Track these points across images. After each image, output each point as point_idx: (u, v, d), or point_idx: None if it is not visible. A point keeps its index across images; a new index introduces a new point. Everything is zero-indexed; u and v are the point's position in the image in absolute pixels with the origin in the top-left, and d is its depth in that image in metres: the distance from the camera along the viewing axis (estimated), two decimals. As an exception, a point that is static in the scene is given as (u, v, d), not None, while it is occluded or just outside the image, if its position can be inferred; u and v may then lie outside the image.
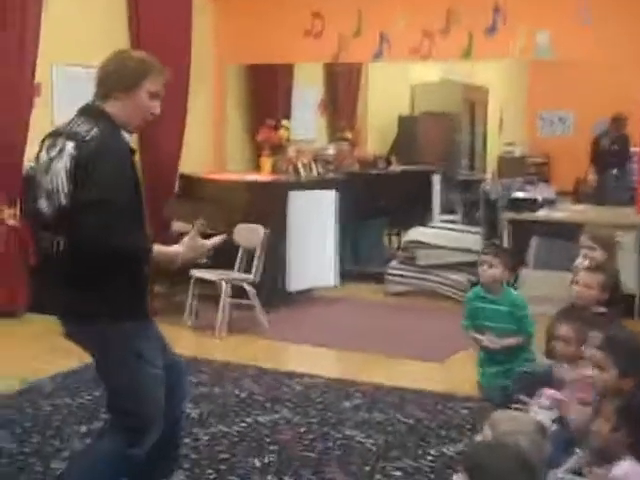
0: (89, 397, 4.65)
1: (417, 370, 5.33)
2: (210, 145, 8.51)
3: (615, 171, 9.98)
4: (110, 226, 2.68)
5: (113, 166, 2.75)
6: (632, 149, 9.86)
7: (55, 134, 2.89)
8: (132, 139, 3.09)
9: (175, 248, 2.94)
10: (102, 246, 2.69)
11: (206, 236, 3.02)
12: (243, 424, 4.28)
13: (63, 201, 2.76)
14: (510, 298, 4.41)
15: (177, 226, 7.53)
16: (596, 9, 6.77)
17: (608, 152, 9.99)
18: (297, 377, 5.09)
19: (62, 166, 2.77)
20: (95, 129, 2.79)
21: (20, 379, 4.89)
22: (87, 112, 2.90)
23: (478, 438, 2.85)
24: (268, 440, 4.07)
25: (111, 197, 2.69)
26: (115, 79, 2.89)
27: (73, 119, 2.90)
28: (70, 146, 2.78)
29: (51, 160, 2.81)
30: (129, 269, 2.82)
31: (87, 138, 2.78)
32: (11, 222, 6.26)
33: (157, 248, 2.87)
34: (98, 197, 2.68)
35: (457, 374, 5.23)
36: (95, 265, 2.74)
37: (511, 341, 4.15)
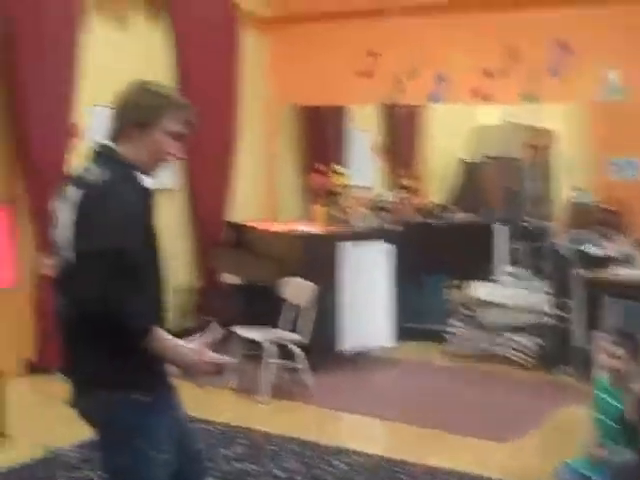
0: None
1: (478, 451, 4.75)
2: (261, 191, 8.14)
3: None
4: (101, 286, 2.27)
5: (115, 215, 2.34)
6: None
7: (66, 182, 2.52)
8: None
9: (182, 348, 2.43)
10: (90, 309, 2.30)
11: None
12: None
13: (69, 257, 2.38)
14: None
15: (225, 278, 7.12)
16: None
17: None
18: (342, 454, 4.59)
19: (67, 217, 2.41)
20: (103, 173, 2.42)
21: (42, 446, 4.49)
22: (98, 154, 2.51)
23: None
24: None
25: (107, 250, 2.29)
26: (128, 114, 2.48)
27: (85, 164, 2.51)
28: (75, 194, 2.42)
29: (59, 212, 2.46)
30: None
31: (92, 184, 2.41)
32: (46, 272, 5.92)
33: (167, 339, 2.38)
34: (90, 249, 2.31)
35: (524, 458, 4.66)
36: (93, 327, 2.34)
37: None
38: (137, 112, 2.47)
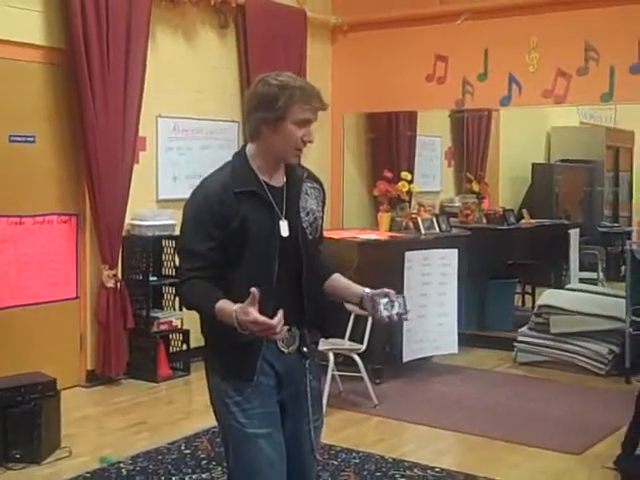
0: (165, 485, 4.18)
1: (547, 464, 4.52)
2: (327, 201, 8.03)
3: None
4: (183, 279, 2.51)
5: (194, 213, 2.52)
6: None
7: None
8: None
9: (232, 307, 2.40)
10: (182, 298, 2.63)
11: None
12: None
13: None
14: None
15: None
16: None
17: None
18: (404, 467, 4.44)
19: None
20: (214, 172, 2.60)
21: (99, 458, 4.48)
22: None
23: None
24: None
25: (184, 248, 2.54)
26: (257, 113, 2.52)
27: None
28: None
29: None
30: (213, 324, 2.48)
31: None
32: (110, 284, 5.95)
33: (219, 304, 2.41)
34: (179, 247, 2.61)
35: (595, 473, 4.40)
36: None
37: None
38: (265, 109, 2.49)
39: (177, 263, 6.13)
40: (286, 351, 2.57)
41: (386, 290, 2.57)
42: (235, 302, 2.37)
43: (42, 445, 4.39)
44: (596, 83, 6.70)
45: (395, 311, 2.54)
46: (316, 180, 2.74)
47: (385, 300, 2.54)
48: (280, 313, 2.32)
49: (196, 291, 2.49)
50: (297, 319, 2.55)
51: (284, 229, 2.55)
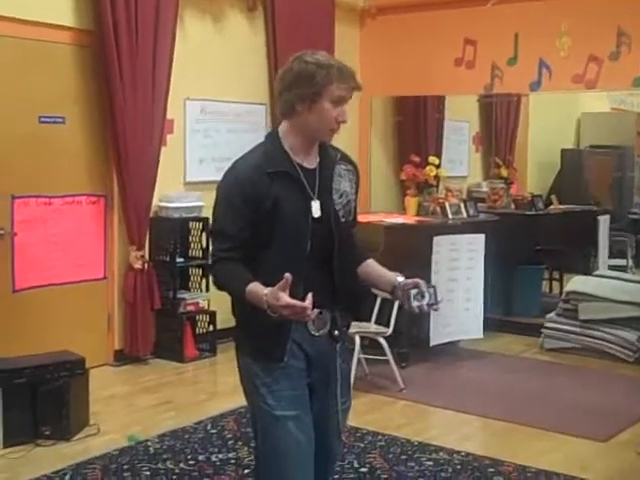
0: (192, 462, 4.21)
1: (573, 450, 4.49)
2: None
3: None
4: (215, 260, 2.52)
5: (226, 194, 2.51)
6: None
7: None
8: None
9: (263, 290, 2.39)
10: (213, 279, 2.56)
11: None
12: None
13: None
14: None
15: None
16: None
17: None
18: (429, 450, 4.44)
19: None
20: (246, 153, 2.59)
21: (126, 436, 4.53)
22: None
23: None
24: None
25: (216, 229, 2.53)
26: (293, 91, 2.49)
27: None
28: None
29: None
30: (244, 306, 2.48)
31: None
32: (137, 265, 5.98)
33: (250, 287, 2.41)
34: (211, 228, 2.59)
35: (622, 460, 4.37)
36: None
37: None
38: (301, 86, 2.46)
39: (204, 245, 6.27)
40: (317, 334, 2.55)
41: (417, 280, 2.55)
42: (266, 283, 2.36)
43: (71, 422, 4.44)
44: (628, 68, 6.62)
45: (425, 301, 2.53)
46: (350, 162, 2.70)
47: (415, 291, 2.53)
48: (310, 296, 2.31)
49: (227, 272, 2.49)
50: (328, 302, 2.53)
51: (316, 210, 2.52)
